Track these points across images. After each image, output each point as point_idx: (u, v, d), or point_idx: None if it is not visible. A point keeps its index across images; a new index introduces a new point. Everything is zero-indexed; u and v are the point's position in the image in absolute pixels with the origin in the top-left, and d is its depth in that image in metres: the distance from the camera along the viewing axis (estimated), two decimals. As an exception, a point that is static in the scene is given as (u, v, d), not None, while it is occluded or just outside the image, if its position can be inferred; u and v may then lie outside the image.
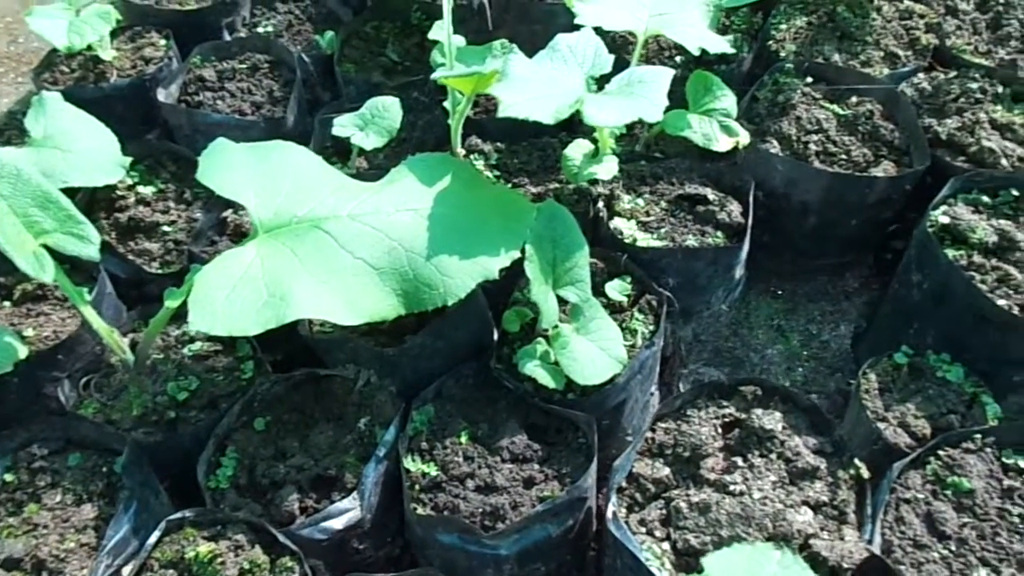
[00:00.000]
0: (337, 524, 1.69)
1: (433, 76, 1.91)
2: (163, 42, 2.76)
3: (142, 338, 1.92)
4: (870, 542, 1.56)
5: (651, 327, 1.98)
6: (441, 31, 2.30)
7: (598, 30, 2.17)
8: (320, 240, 1.65)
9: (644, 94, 1.87)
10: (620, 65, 2.04)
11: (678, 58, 2.59)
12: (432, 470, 1.76)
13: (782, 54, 2.55)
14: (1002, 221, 2.03)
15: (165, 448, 1.83)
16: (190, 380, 1.92)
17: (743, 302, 2.50)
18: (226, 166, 1.76)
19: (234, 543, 1.58)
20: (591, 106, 1.69)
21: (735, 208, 2.16)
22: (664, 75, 1.92)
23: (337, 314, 1.57)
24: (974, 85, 2.39)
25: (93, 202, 2.29)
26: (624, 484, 1.71)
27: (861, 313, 2.48)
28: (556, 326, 1.81)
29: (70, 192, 1.83)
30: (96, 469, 1.72)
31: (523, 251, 1.75)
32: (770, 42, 2.61)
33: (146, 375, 1.92)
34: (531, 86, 1.73)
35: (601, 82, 2.01)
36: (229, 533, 1.60)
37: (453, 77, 1.86)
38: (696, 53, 2.22)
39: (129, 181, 2.31)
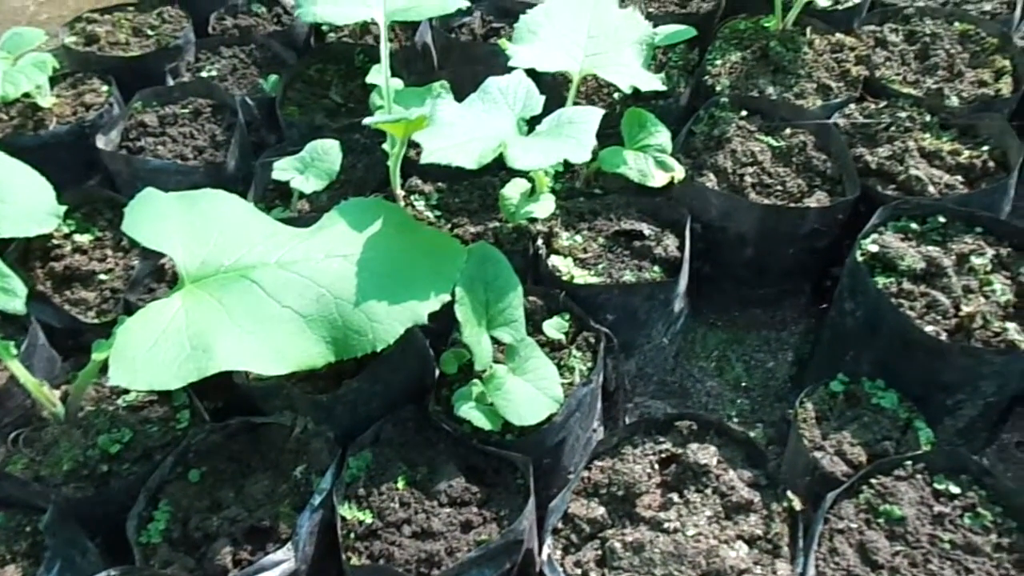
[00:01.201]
0: (271, 576, 1.67)
1: (364, 122, 1.93)
2: (104, 88, 2.76)
3: (72, 391, 1.90)
4: (803, 575, 1.57)
5: (589, 364, 1.99)
6: (379, 75, 2.33)
7: (532, 71, 2.21)
8: (247, 289, 1.65)
9: (573, 135, 1.89)
10: (561, 103, 2.07)
11: (616, 95, 2.63)
12: (368, 517, 1.74)
13: (718, 88, 2.60)
14: (930, 248, 2.07)
15: (97, 503, 1.79)
16: (123, 432, 1.89)
17: (688, 333, 2.52)
18: (152, 216, 1.75)
19: (161, 602, 1.55)
20: (515, 150, 1.71)
21: (671, 242, 2.19)
22: (593, 115, 1.95)
23: (262, 364, 1.56)
24: (903, 114, 2.44)
25: (28, 251, 2.27)
26: (560, 525, 1.70)
27: (803, 341, 2.51)
28: (490, 367, 1.81)
29: (3, 242, 1.81)
30: (20, 528, 1.68)
31: (454, 294, 1.76)
32: (706, 77, 2.65)
33: (77, 428, 1.89)
34: (456, 131, 1.75)
35: (533, 122, 2.04)
36: (157, 591, 1.57)
37: (383, 123, 1.88)
38: (628, 92, 2.26)
39: (65, 229, 2.30)
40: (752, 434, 2.31)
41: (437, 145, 1.66)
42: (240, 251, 1.73)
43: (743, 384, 2.43)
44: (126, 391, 2.00)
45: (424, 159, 1.64)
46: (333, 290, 1.66)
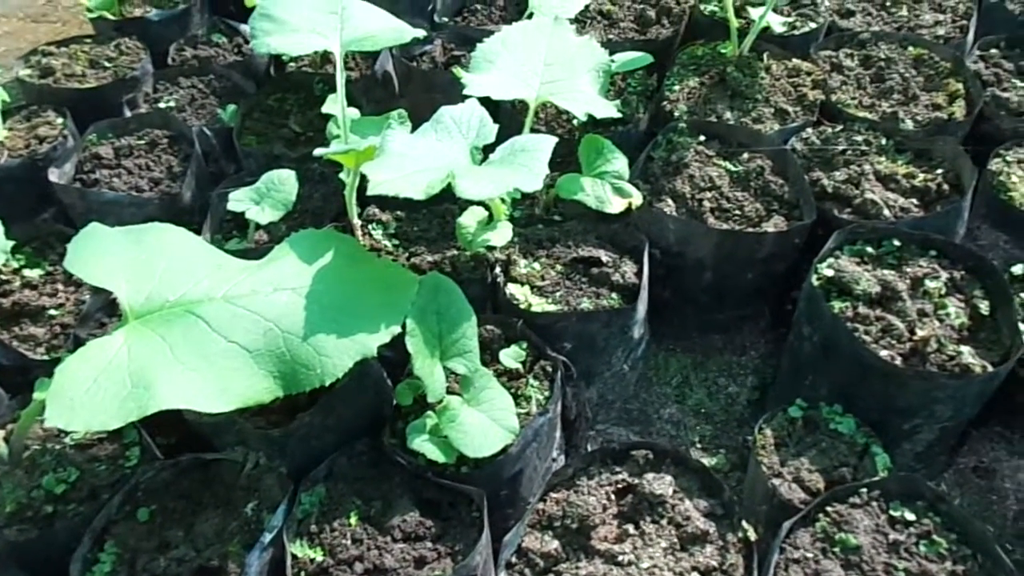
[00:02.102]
0: (218, 619, 1.62)
1: (316, 152, 1.91)
2: (59, 121, 2.73)
3: (15, 430, 1.85)
4: (758, 607, 1.55)
5: (547, 393, 1.97)
6: (335, 104, 2.32)
7: (492, 100, 2.21)
8: (191, 325, 1.62)
9: (525, 163, 1.89)
10: (520, 131, 2.07)
11: (576, 122, 2.64)
12: (319, 555, 1.71)
13: (676, 114, 2.61)
14: (885, 271, 2.07)
15: (41, 545, 1.74)
16: (69, 471, 1.84)
17: (650, 359, 2.52)
18: (96, 252, 1.72)
19: (100, 649, 1.51)
20: (464, 180, 1.70)
21: (629, 269, 2.18)
22: (546, 143, 1.95)
23: (205, 401, 1.52)
24: (859, 138, 2.47)
25: (-24, 288, 2.23)
26: (513, 559, 1.68)
27: (765, 365, 2.51)
28: (444, 399, 1.79)
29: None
30: (-42, 575, 1.63)
31: (406, 326, 1.74)
32: (665, 103, 2.67)
33: (21, 468, 1.84)
34: (405, 161, 1.74)
35: (489, 151, 2.03)
36: (95, 639, 1.53)
37: (333, 154, 1.87)
38: (584, 119, 2.26)
39: (15, 264, 2.26)
40: (714, 460, 2.30)
41: (384, 177, 1.64)
42: (186, 286, 1.70)
43: (705, 410, 2.42)
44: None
45: (371, 191, 1.63)
46: (281, 324, 1.64)
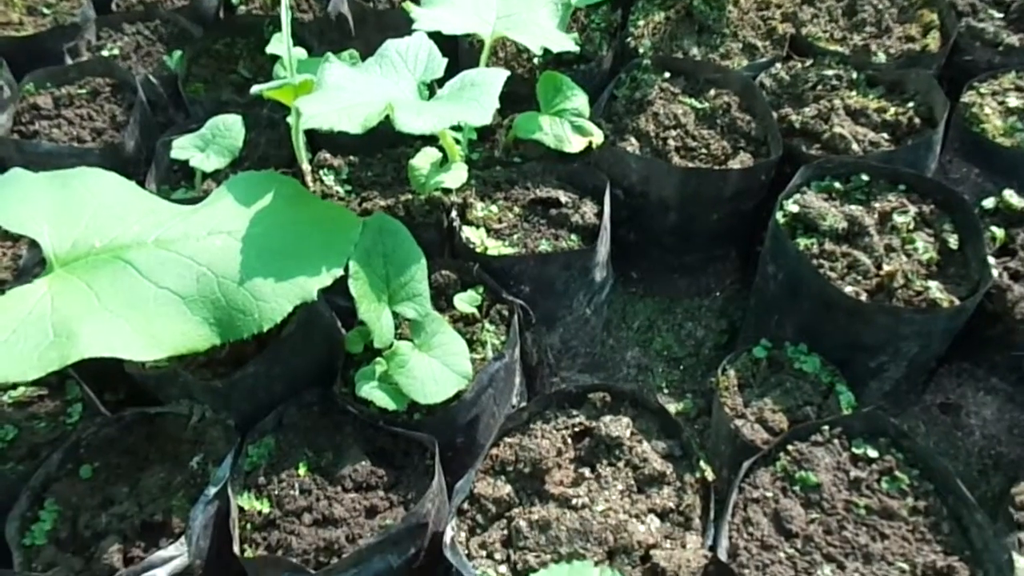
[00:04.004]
0: (161, 573, 1.57)
1: (252, 91, 1.82)
2: (-4, 71, 2.61)
3: (-52, 388, 1.78)
4: (714, 547, 1.51)
5: (503, 338, 1.91)
6: (280, 44, 2.21)
7: (449, 38, 2.11)
8: (120, 271, 1.54)
9: (474, 97, 1.80)
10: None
11: (537, 60, 2.54)
12: (266, 507, 1.66)
13: (641, 50, 2.51)
14: (852, 207, 2.01)
15: (-21, 505, 1.69)
16: (6, 429, 1.78)
17: (615, 304, 2.45)
18: (18, 198, 1.64)
19: (34, 606, 1.45)
20: (403, 113, 1.61)
21: (589, 210, 2.11)
22: (497, 77, 1.86)
23: (133, 350, 1.45)
24: (830, 72, 2.38)
25: (-91, 244, 2.14)
26: (465, 506, 1.63)
27: (735, 308, 2.45)
28: (392, 345, 1.73)
29: None
30: None
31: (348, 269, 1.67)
32: (629, 39, 2.57)
33: (-44, 428, 1.78)
34: (343, 95, 1.65)
35: (436, 87, 1.94)
36: (29, 595, 1.48)
37: (268, 90, 1.77)
38: (539, 53, 2.16)
39: (-50, 219, 2.16)
40: (681, 405, 2.26)
41: (317, 109, 1.55)
42: (115, 231, 1.62)
43: (672, 354, 2.37)
44: (14, 386, 1.88)
45: (303, 125, 1.55)
46: (215, 269, 1.56)
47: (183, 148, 2.18)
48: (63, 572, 1.56)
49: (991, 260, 1.88)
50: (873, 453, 1.65)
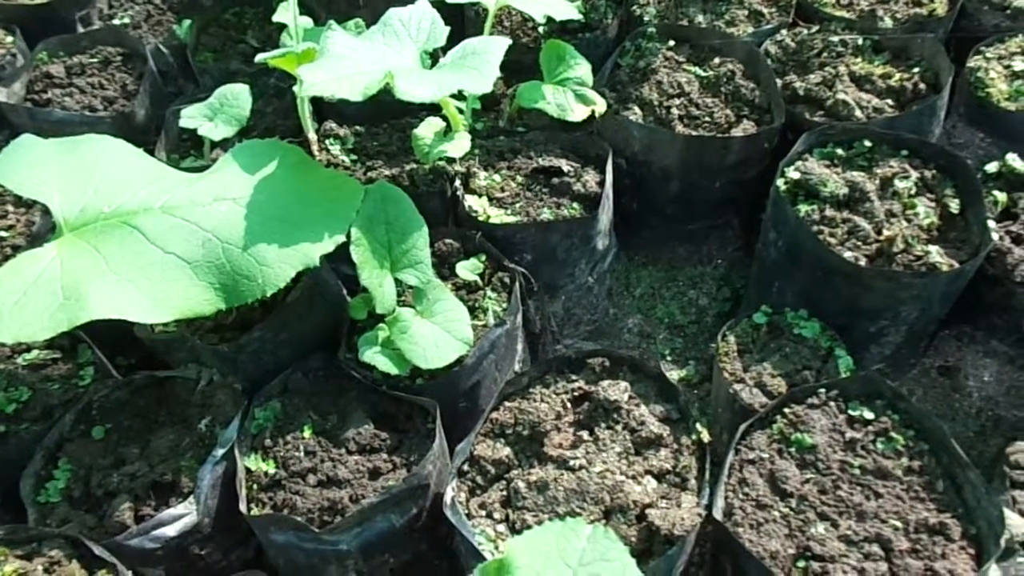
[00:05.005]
0: (170, 531, 1.62)
1: (256, 59, 1.84)
2: (8, 39, 2.64)
3: (-36, 351, 1.83)
4: (709, 507, 1.54)
5: (504, 305, 1.93)
6: (287, 13, 2.22)
7: (442, 3, 2.11)
8: (127, 236, 1.57)
9: (475, 65, 1.81)
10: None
11: (542, 29, 2.53)
12: (272, 467, 1.70)
13: (646, 19, 2.51)
14: (854, 173, 2.00)
15: (-6, 463, 1.75)
16: (21, 391, 1.83)
17: (618, 272, 2.47)
18: (28, 163, 1.67)
19: (48, 560, 1.50)
20: (404, 81, 1.62)
21: (591, 178, 2.12)
22: (498, 45, 1.87)
23: (140, 312, 1.49)
24: (835, 39, 2.36)
25: (-75, 211, 2.18)
26: (465, 467, 1.66)
27: (738, 276, 2.46)
28: (394, 311, 1.76)
29: None
30: (-91, 492, 1.63)
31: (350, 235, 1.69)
32: (634, 7, 2.56)
33: (-28, 389, 1.83)
34: (344, 63, 1.66)
35: (440, 55, 1.95)
36: (44, 550, 1.52)
37: (271, 58, 1.79)
38: (542, 21, 2.16)
39: (-37, 188, 2.21)
40: (684, 372, 2.28)
41: (318, 77, 1.57)
42: (122, 197, 1.65)
43: (675, 322, 2.39)
44: (28, 349, 1.93)
45: (304, 92, 1.56)
46: (220, 234, 1.59)
47: (192, 117, 2.21)
48: (76, 528, 1.61)
49: (993, 224, 1.88)
50: (869, 415, 1.67)
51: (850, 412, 1.69)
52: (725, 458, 1.62)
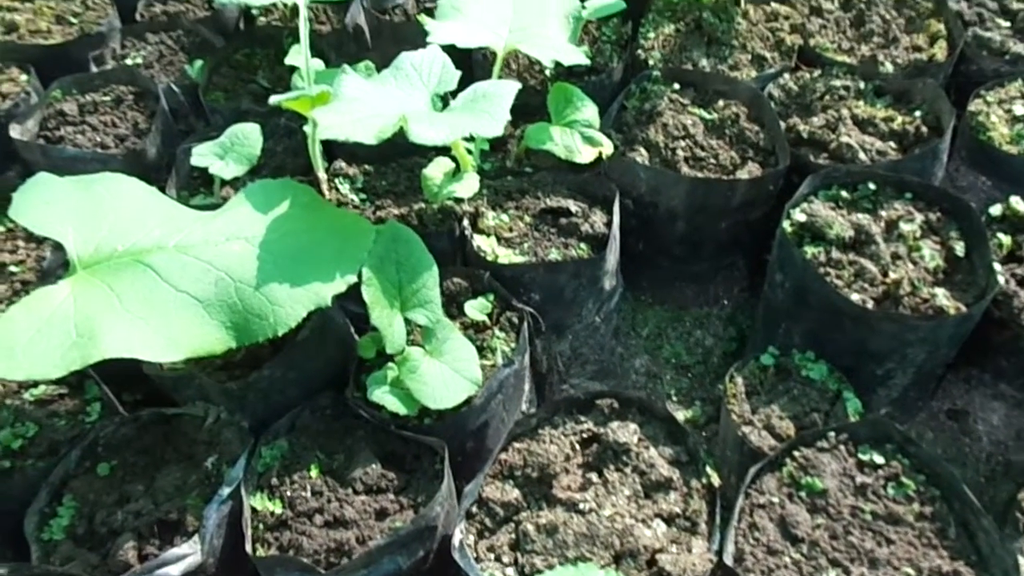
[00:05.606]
0: (174, 571, 1.60)
1: (271, 101, 1.86)
2: (23, 77, 2.68)
3: (-28, 387, 1.83)
4: (720, 552, 1.53)
5: (513, 345, 1.93)
6: (299, 55, 2.26)
7: (463, 51, 2.15)
8: (140, 274, 1.58)
9: (486, 109, 1.84)
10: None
11: (548, 71, 2.57)
12: (278, 507, 1.69)
13: (651, 62, 2.55)
14: (859, 215, 2.02)
15: (-1, 500, 1.74)
16: (28, 426, 1.83)
17: (624, 312, 2.48)
18: (44, 201, 1.69)
19: (52, 600, 1.49)
20: (418, 124, 1.65)
21: (599, 219, 2.14)
22: (508, 88, 1.89)
23: (152, 351, 1.49)
24: (837, 83, 2.40)
25: (-64, 246, 2.20)
26: (474, 509, 1.65)
27: (743, 316, 2.47)
28: (403, 350, 1.76)
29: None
30: (-87, 530, 1.62)
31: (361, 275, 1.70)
32: (639, 51, 2.60)
33: (-21, 426, 1.82)
34: (358, 106, 1.69)
35: (449, 98, 1.98)
36: (46, 589, 1.51)
37: (286, 100, 1.81)
38: (550, 66, 2.20)
39: (-25, 222, 2.23)
40: (690, 412, 2.28)
41: (333, 120, 1.60)
42: (136, 235, 1.66)
43: (681, 362, 2.39)
44: (35, 384, 1.93)
45: (320, 135, 1.59)
46: (233, 273, 1.61)
47: (203, 155, 2.23)
48: (79, 567, 1.60)
49: (998, 267, 1.90)
50: (879, 459, 1.66)
51: (860, 456, 1.68)
52: (735, 502, 1.61)
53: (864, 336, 1.87)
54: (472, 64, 2.66)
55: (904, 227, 1.98)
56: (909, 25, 2.58)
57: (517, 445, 1.75)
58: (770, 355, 2.00)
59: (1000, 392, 2.02)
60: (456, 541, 1.56)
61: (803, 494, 1.63)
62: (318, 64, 2.35)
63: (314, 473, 1.74)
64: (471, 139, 2.27)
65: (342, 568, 1.54)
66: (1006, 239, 1.99)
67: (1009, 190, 2.14)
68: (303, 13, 2.16)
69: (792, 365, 1.97)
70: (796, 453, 1.69)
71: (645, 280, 2.48)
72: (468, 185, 2.11)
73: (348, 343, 2.01)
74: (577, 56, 2.20)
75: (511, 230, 2.14)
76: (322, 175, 2.23)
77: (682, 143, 2.30)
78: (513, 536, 1.60)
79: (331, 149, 2.45)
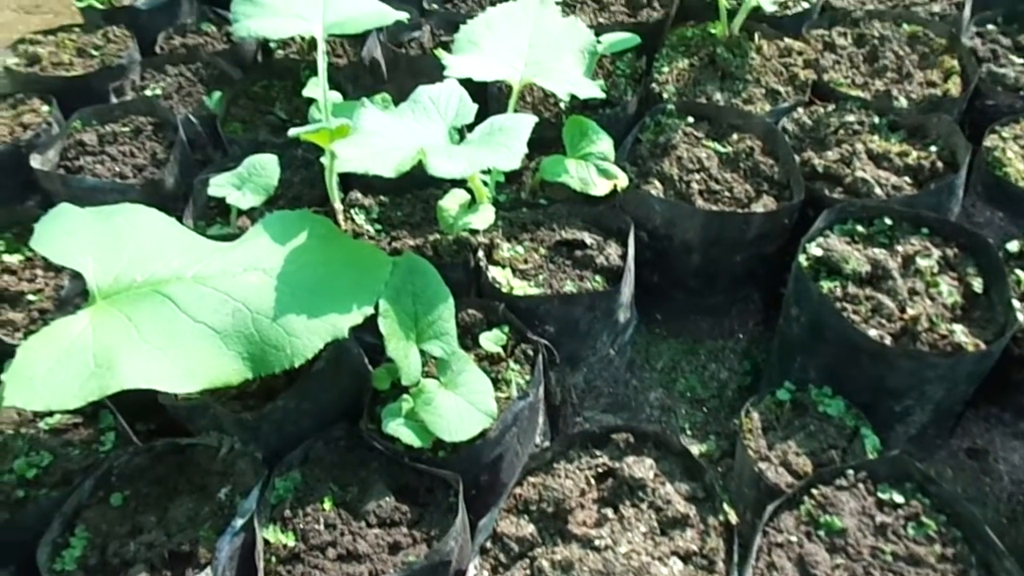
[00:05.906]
0: (187, 604, 1.60)
1: (290, 133, 1.88)
2: (45, 108, 2.72)
3: (-12, 416, 1.84)
4: (738, 591, 1.50)
5: (527, 377, 1.93)
6: (316, 88, 2.29)
7: (480, 84, 2.17)
8: (159, 305, 1.59)
9: (503, 142, 1.85)
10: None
11: (563, 104, 2.60)
12: (291, 540, 1.68)
13: (665, 96, 2.57)
14: (876, 250, 2.02)
15: (12, 529, 1.72)
16: (42, 456, 1.82)
17: (639, 345, 2.47)
18: (64, 231, 1.70)
19: (63, 633, 1.48)
20: (435, 158, 1.66)
21: (614, 251, 2.14)
22: (525, 122, 1.91)
23: (170, 382, 1.50)
24: (851, 117, 2.41)
25: (-44, 274, 2.22)
26: (488, 544, 1.64)
27: (758, 350, 2.46)
28: (418, 382, 1.76)
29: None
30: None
31: (378, 307, 1.71)
32: (654, 85, 2.62)
33: (-6, 454, 1.83)
34: (377, 139, 1.71)
35: (465, 131, 2.00)
36: (59, 622, 1.50)
37: (306, 133, 1.83)
38: (565, 99, 2.21)
39: (-6, 250, 2.25)
40: (704, 447, 2.26)
41: (353, 154, 1.61)
42: (155, 266, 1.67)
43: (695, 396, 2.38)
44: (50, 413, 1.93)
45: (339, 168, 1.60)
46: (250, 304, 1.61)
47: (220, 186, 2.25)
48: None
49: (1016, 303, 1.88)
50: (899, 498, 1.64)
51: (879, 495, 1.66)
52: (752, 539, 1.59)
53: (882, 372, 1.86)
54: (488, 97, 2.69)
55: (921, 262, 1.98)
56: (923, 61, 2.59)
57: (532, 479, 1.74)
58: (786, 390, 1.99)
59: (1021, 431, 2.00)
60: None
61: (822, 533, 1.61)
62: (335, 96, 2.38)
63: (327, 505, 1.73)
64: (487, 171, 2.28)
65: (355, 603, 1.53)
66: (1024, 275, 1.99)
67: (1026, 226, 2.14)
68: (321, 47, 2.19)
69: (809, 400, 1.96)
70: (814, 491, 1.67)
71: (660, 313, 2.47)
72: (484, 217, 2.12)
73: (363, 374, 2.01)
74: (592, 90, 2.22)
75: (526, 262, 2.14)
76: (338, 206, 2.24)
77: (697, 176, 2.31)
78: (528, 572, 1.58)
79: (347, 180, 2.46)
